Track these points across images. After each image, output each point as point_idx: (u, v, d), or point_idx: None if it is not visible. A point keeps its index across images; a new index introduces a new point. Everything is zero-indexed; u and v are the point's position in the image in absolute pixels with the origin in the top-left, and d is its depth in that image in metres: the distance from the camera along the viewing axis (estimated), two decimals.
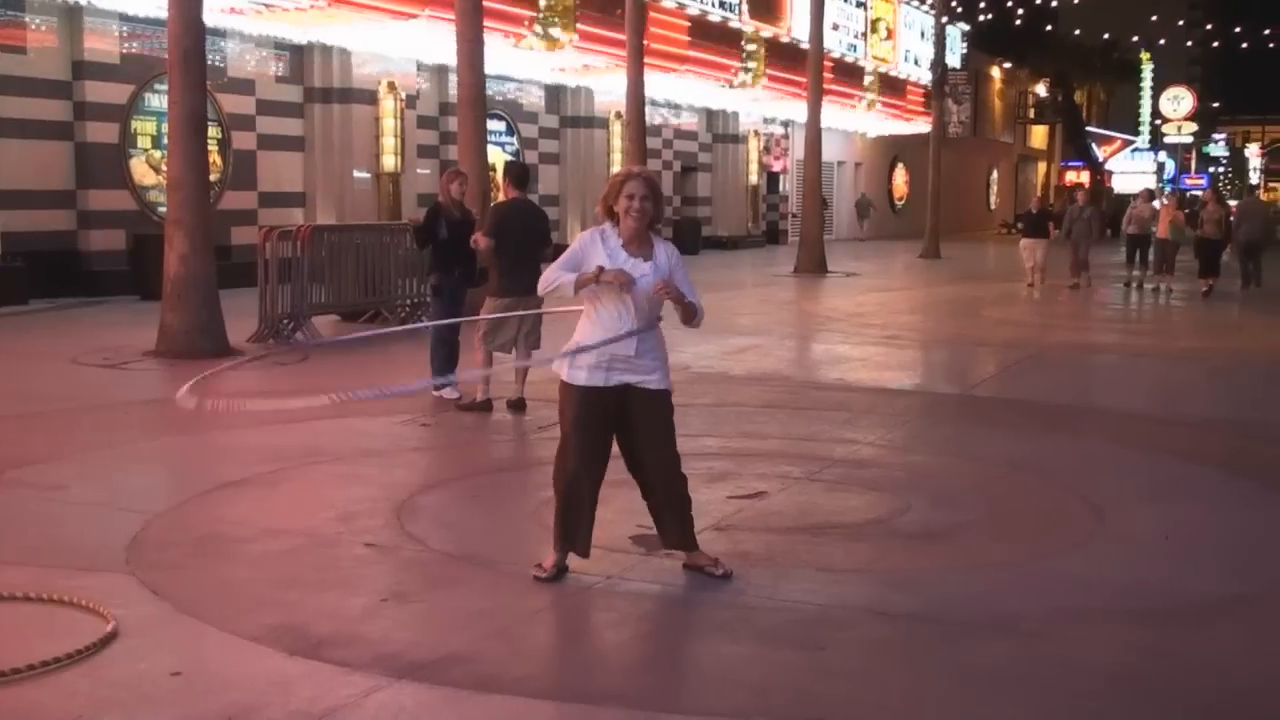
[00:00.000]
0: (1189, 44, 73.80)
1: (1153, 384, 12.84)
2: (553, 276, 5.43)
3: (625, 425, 5.52)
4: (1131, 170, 71.36)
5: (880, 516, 6.84)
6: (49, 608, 5.03)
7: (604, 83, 28.12)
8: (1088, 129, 68.43)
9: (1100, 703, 4.36)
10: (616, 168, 28.87)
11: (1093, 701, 4.37)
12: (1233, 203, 38.16)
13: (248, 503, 6.96)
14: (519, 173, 10.04)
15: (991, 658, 4.75)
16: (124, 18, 18.70)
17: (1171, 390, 12.26)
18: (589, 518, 5.51)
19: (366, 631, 4.85)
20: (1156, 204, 29.72)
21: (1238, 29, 54.47)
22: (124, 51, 18.84)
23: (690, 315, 5.50)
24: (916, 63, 45.12)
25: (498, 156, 24.53)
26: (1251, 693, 4.52)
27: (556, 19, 24.05)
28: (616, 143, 29.63)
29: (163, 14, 13.06)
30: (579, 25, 24.68)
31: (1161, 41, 70.25)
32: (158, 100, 18.44)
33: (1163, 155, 76.91)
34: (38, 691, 4.24)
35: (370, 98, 22.82)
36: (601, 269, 5.31)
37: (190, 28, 12.58)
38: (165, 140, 14.32)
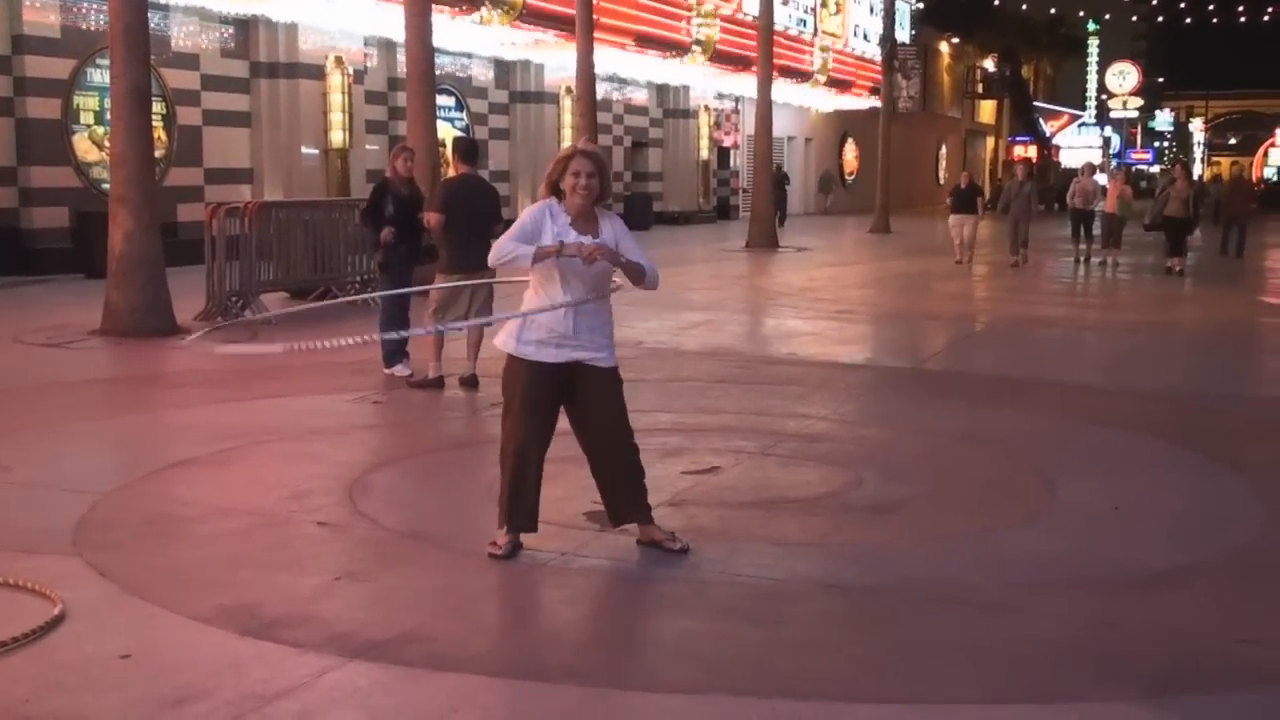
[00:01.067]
0: (1134, 19, 74.40)
1: (1100, 356, 12.97)
2: (507, 247, 5.36)
3: (575, 401, 5.51)
4: (1079, 145, 72.05)
5: (833, 490, 6.86)
6: None
7: (554, 58, 27.99)
8: (1035, 104, 69.02)
9: (1051, 672, 4.40)
10: (567, 143, 28.77)
11: (1044, 671, 4.41)
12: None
13: (197, 482, 6.88)
14: (467, 148, 10.00)
15: (944, 630, 4.78)
16: None
17: (1119, 362, 12.39)
18: (536, 492, 5.49)
19: (319, 611, 4.81)
20: (1101, 178, 29.95)
21: (1182, 4, 54.94)
22: (65, 25, 18.52)
23: (638, 274, 5.49)
24: (866, 38, 45.26)
25: (447, 132, 24.37)
26: (1198, 658, 4.57)
27: None
28: (567, 118, 29.54)
29: None
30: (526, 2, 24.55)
31: (1107, 17, 70.86)
32: (100, 75, 18.14)
33: (1109, 130, 77.69)
34: None
35: (317, 73, 22.60)
36: (563, 243, 5.28)
37: (132, 1, 12.38)
38: (108, 116, 14.10)
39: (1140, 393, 10.23)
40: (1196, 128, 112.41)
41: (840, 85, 42.70)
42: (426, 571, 5.39)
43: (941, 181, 59.15)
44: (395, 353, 10.08)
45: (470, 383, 9.60)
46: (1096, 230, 23.77)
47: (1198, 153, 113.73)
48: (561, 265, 5.32)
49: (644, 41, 29.80)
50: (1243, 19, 51.60)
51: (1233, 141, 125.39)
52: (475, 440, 8.28)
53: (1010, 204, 23.06)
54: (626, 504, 5.60)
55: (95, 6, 18.15)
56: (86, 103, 18.93)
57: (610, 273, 5.49)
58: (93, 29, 18.43)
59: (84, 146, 18.97)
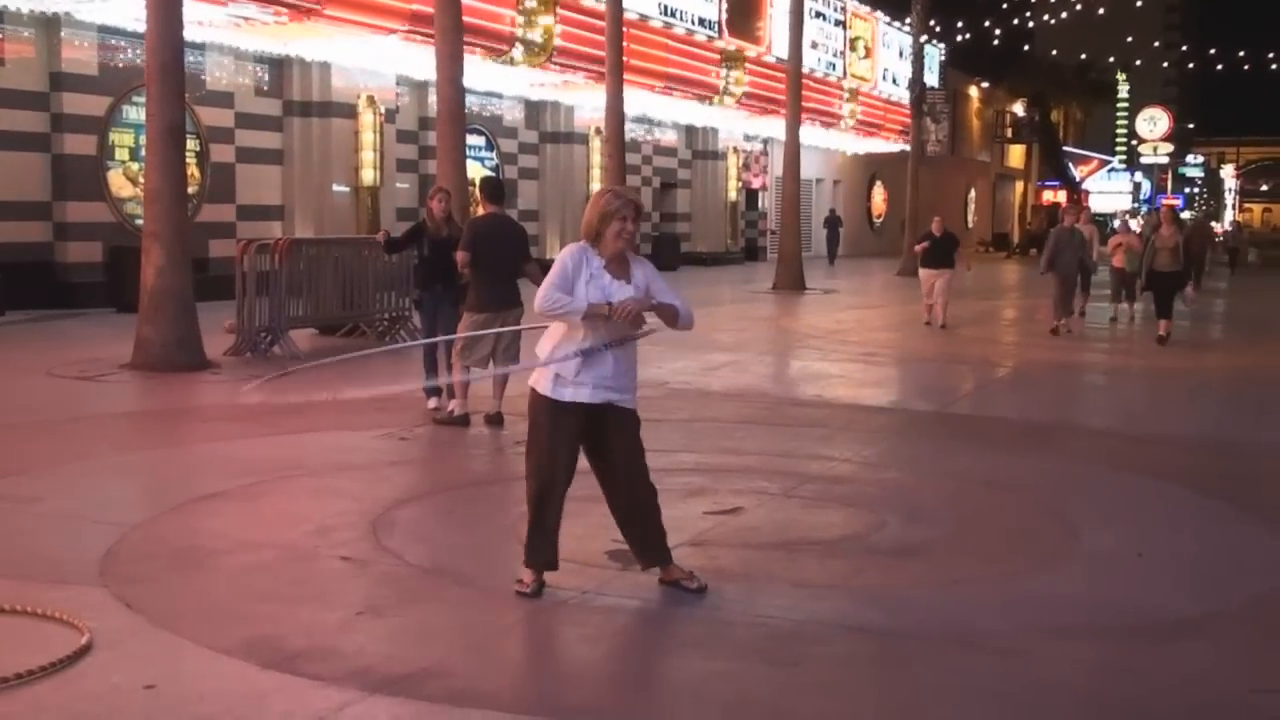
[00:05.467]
0: (1165, 65, 74.41)
1: (1126, 402, 12.92)
2: (555, 298, 5.32)
3: (600, 441, 5.54)
4: (1109, 190, 71.91)
5: (856, 533, 6.87)
6: (22, 620, 5.01)
7: (583, 98, 28.21)
8: (1064, 149, 68.94)
9: (1071, 719, 4.39)
10: (596, 184, 28.95)
11: (1064, 718, 4.40)
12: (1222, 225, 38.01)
13: (224, 516, 6.94)
14: (494, 187, 10.05)
15: (964, 674, 4.78)
16: (102, 29, 18.69)
17: (1143, 408, 12.34)
18: (556, 531, 5.54)
19: (341, 645, 4.85)
20: (1133, 224, 29.27)
21: (1213, 50, 54.95)
22: (102, 63, 18.82)
23: (672, 317, 5.53)
24: (895, 81, 45.39)
25: (477, 171, 24.55)
26: (1219, 710, 4.55)
27: (538, 37, 24.16)
28: (596, 158, 29.69)
29: (141, 26, 13.04)
30: (559, 42, 24.78)
31: (1138, 63, 70.84)
32: (136, 112, 18.40)
33: (1139, 175, 77.51)
34: (9, 704, 4.22)
35: (349, 111, 22.84)
36: (610, 304, 5.30)
37: (168, 40, 12.58)
38: (143, 152, 14.29)
39: (1165, 439, 10.19)
40: (1228, 174, 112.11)
41: (869, 128, 42.81)
42: (448, 607, 5.42)
43: (970, 225, 59.13)
44: (430, 388, 10.16)
45: (495, 420, 9.64)
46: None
47: (1229, 199, 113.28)
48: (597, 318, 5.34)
49: (674, 84, 29.98)
50: (1275, 65, 51.52)
51: (1264, 188, 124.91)
52: (499, 478, 8.31)
53: (1058, 256, 18.34)
54: (651, 547, 5.62)
55: (132, 45, 18.43)
56: (122, 139, 19.21)
57: (639, 322, 5.50)
58: (129, 67, 18.71)
59: (119, 182, 19.23)
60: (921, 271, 19.64)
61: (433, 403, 10.15)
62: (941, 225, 19.56)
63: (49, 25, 18.18)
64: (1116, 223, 24.30)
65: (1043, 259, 19.03)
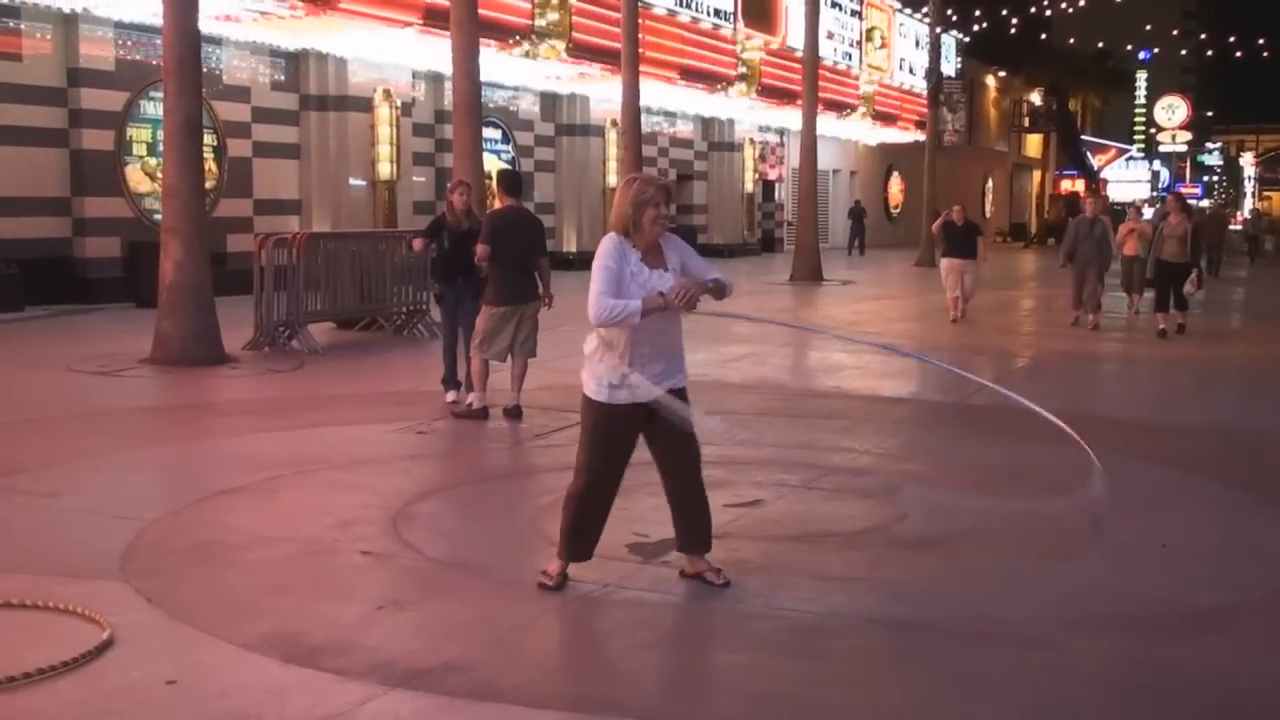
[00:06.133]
0: (1183, 53, 74.02)
1: (1148, 391, 12.85)
2: (609, 306, 5.12)
3: (653, 429, 5.46)
4: (1126, 179, 71.63)
5: (877, 524, 6.84)
6: (43, 615, 5.02)
7: (599, 90, 28.16)
8: (1082, 137, 68.64)
9: (1094, 712, 4.37)
10: (613, 176, 28.94)
11: (1086, 711, 4.38)
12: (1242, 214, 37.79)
13: (244, 510, 6.95)
14: (512, 180, 10.02)
15: (987, 666, 4.75)
16: (119, 25, 18.72)
17: (1165, 398, 12.27)
18: (600, 529, 5.51)
19: (362, 639, 4.85)
20: (1148, 212, 29.03)
21: (1232, 38, 54.59)
22: (119, 58, 18.85)
23: (721, 291, 5.46)
24: (911, 71, 45.25)
25: (494, 164, 24.55)
26: (1245, 703, 4.52)
27: (552, 30, 24.14)
28: (612, 150, 29.65)
29: (158, 21, 13.05)
30: (574, 35, 24.75)
31: (1156, 50, 70.48)
32: (153, 107, 18.44)
33: (1158, 164, 77.17)
34: (31, 700, 4.23)
35: (366, 105, 22.85)
36: (662, 295, 5.16)
37: (185, 35, 12.59)
38: (161, 147, 14.32)
39: (1187, 429, 10.13)
40: (1247, 162, 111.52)
41: (885, 118, 42.70)
42: (469, 601, 5.42)
43: (988, 215, 58.89)
44: (448, 378, 10.16)
45: (514, 414, 9.64)
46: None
47: (1248, 187, 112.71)
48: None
49: (689, 75, 29.91)
50: None
51: None
52: (519, 471, 8.31)
53: (1078, 247, 17.86)
54: (699, 534, 5.58)
55: (149, 40, 18.46)
56: (140, 134, 19.25)
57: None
58: (147, 62, 18.74)
59: (136, 177, 19.27)
60: (942, 262, 18.94)
61: (451, 396, 10.14)
62: (963, 213, 18.73)
63: (67, 21, 18.21)
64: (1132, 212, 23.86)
65: (1062, 250, 18.63)
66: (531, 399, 9.82)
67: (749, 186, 37.70)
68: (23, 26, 17.81)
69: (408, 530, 6.48)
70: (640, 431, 5.47)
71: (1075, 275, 17.99)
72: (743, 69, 32.32)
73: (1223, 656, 4.94)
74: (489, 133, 24.33)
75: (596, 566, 5.67)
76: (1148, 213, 28.65)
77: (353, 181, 22.74)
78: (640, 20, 23.00)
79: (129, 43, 18.97)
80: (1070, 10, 47.12)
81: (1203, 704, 4.47)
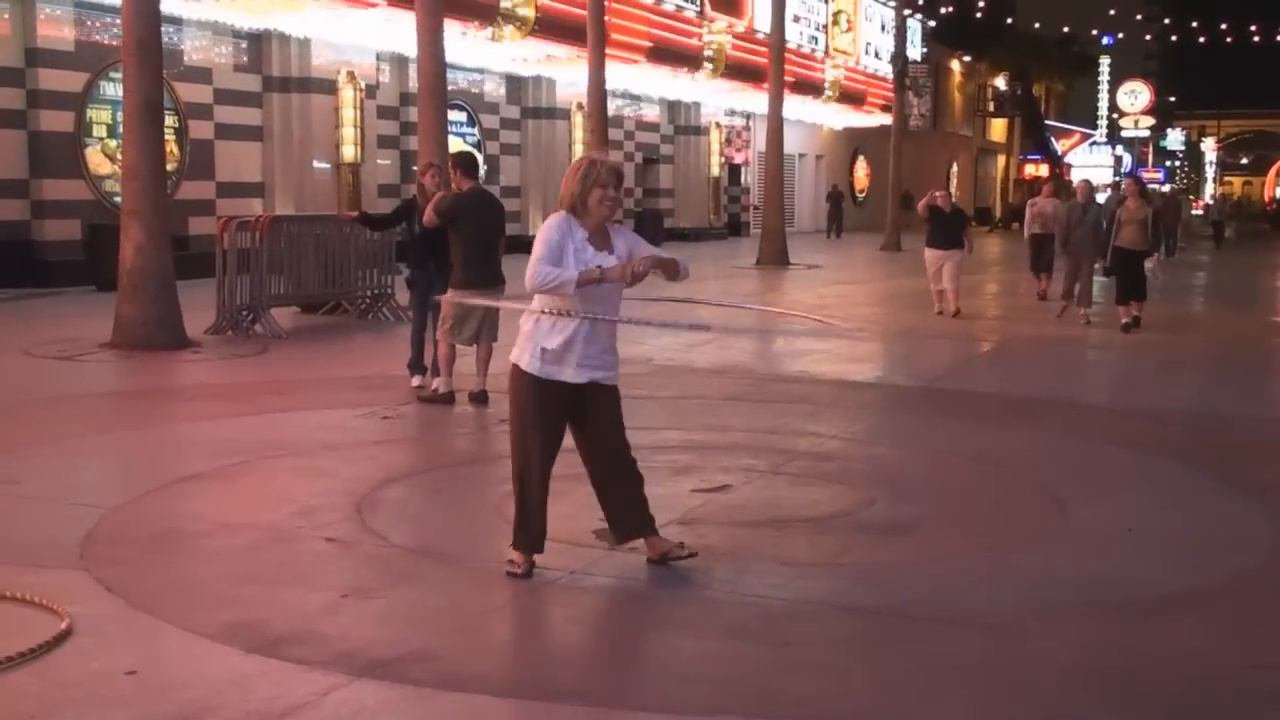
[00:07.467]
0: (1147, 38, 74.47)
1: (1110, 376, 12.91)
2: (544, 272, 5.19)
3: (583, 419, 5.49)
4: (1090, 164, 71.96)
5: (844, 510, 6.83)
6: (0, 605, 4.93)
7: (565, 74, 28.05)
8: (1046, 122, 68.96)
9: (1062, 697, 4.36)
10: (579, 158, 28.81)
11: (1055, 695, 4.37)
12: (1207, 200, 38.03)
13: (205, 497, 6.87)
14: (469, 162, 9.90)
15: (955, 652, 4.74)
16: (78, 4, 18.48)
17: (1130, 382, 12.33)
18: (544, 511, 5.49)
19: (326, 628, 4.79)
20: (1101, 197, 29.12)
21: (1195, 23, 54.94)
22: (78, 38, 18.60)
23: (674, 269, 5.45)
24: (877, 55, 45.32)
25: (458, 147, 24.41)
26: (1212, 685, 4.53)
27: (518, 10, 24.01)
28: (578, 134, 29.54)
29: (118, 0, 12.87)
30: (540, 15, 24.62)
31: (1119, 36, 70.83)
32: (113, 88, 18.19)
33: (1120, 149, 77.64)
34: None
35: (329, 87, 22.67)
36: (601, 269, 5.23)
37: (145, 15, 12.42)
38: (121, 129, 14.13)
39: (1152, 413, 10.18)
40: (1208, 147, 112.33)
41: (852, 101, 42.73)
42: (434, 589, 5.37)
43: (953, 199, 58.91)
44: (415, 363, 10.09)
45: (480, 399, 9.57)
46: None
47: (1209, 172, 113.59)
48: (586, 287, 5.27)
49: (656, 55, 29.81)
50: (1256, 38, 51.52)
51: (1244, 161, 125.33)
52: (484, 456, 8.26)
53: (1069, 236, 16.99)
54: (635, 519, 5.57)
55: (109, 20, 18.22)
56: (99, 116, 19.00)
57: (621, 291, 5.46)
58: (106, 42, 18.49)
59: (96, 159, 19.03)
60: (928, 253, 17.26)
61: (416, 380, 10.07)
62: (949, 200, 17.40)
63: (24, 0, 17.95)
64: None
65: (1057, 239, 17.72)
66: (497, 384, 9.73)
67: (715, 170, 37.67)
68: None
69: (372, 517, 6.41)
70: (569, 412, 5.45)
71: (1069, 265, 17.13)
72: (709, 51, 32.25)
73: (1189, 640, 4.96)
74: (454, 115, 24.17)
75: (563, 553, 5.63)
76: (1101, 198, 28.50)
77: (317, 164, 22.56)
78: (606, 1, 22.87)
79: (88, 22, 18.71)
80: None
81: (1170, 687, 4.48)
